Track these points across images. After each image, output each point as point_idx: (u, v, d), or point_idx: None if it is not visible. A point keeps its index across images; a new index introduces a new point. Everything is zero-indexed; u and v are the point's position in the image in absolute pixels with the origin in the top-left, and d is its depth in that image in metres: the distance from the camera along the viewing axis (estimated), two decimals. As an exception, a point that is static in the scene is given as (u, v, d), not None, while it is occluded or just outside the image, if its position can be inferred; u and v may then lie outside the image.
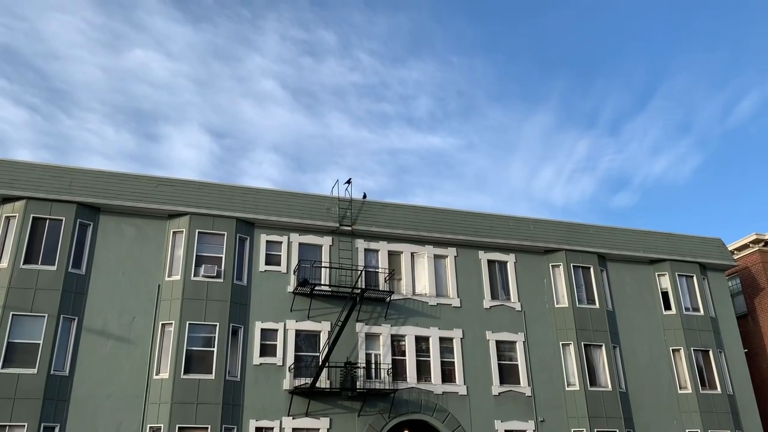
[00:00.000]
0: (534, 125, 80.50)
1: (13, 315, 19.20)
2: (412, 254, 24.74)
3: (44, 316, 19.43)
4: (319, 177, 76.27)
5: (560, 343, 24.93)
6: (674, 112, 78.81)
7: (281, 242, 23.11)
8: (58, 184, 21.14)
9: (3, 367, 18.60)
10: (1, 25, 60.58)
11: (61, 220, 20.70)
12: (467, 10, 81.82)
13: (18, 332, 19.13)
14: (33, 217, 20.50)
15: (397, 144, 77.63)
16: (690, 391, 25.48)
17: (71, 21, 64.30)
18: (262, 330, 21.69)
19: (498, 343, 24.27)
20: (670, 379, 25.77)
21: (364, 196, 24.64)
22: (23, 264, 19.89)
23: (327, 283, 22.81)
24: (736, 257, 31.22)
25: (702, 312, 27.09)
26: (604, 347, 25.01)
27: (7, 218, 20.54)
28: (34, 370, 18.78)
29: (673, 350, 26.29)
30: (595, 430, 23.51)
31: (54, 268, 20.10)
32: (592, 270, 26.34)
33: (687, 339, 26.28)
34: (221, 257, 21.82)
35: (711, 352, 26.42)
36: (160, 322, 20.73)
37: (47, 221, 20.65)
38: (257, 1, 76.52)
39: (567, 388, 24.25)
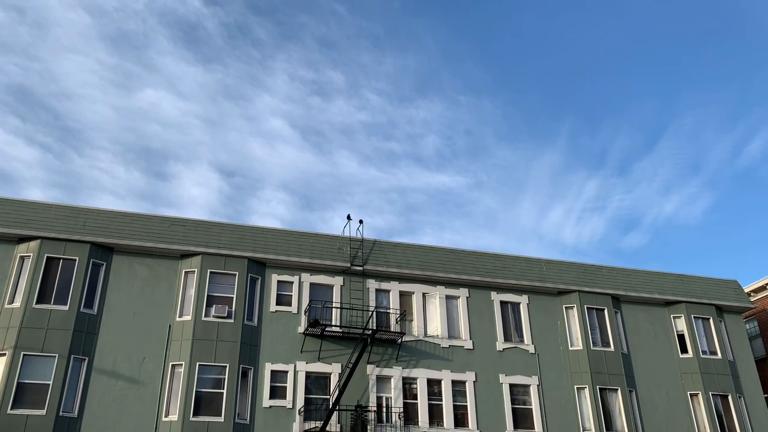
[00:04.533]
0: (543, 164, 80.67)
1: (24, 355, 19.16)
2: (424, 295, 24.57)
3: (55, 357, 19.36)
4: (327, 215, 76.46)
5: (575, 386, 24.46)
6: (683, 152, 78.81)
7: (292, 282, 23.07)
8: (72, 224, 21.33)
9: (12, 408, 18.46)
10: (17, 66, 62.09)
11: (75, 259, 20.81)
12: (473, 51, 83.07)
13: (28, 372, 19.05)
14: (47, 256, 20.64)
15: (406, 182, 77.92)
16: (709, 437, 24.80)
17: (84, 61, 65.78)
18: (272, 371, 21.48)
19: (511, 386, 23.86)
20: (688, 425, 25.12)
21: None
22: (35, 303, 19.94)
23: (338, 323, 22.65)
24: (752, 299, 30.75)
25: (720, 355, 26.56)
26: (620, 391, 24.50)
27: (22, 258, 20.69)
28: (43, 411, 18.62)
29: (691, 395, 25.70)
30: (612, 477, 22.87)
31: (66, 307, 20.12)
32: (606, 312, 26.00)
33: (705, 383, 25.71)
34: (232, 297, 21.77)
35: (730, 397, 25.80)
36: (170, 363, 20.59)
37: (61, 261, 20.76)
38: (267, 42, 78.13)
39: (582, 434, 23.70)
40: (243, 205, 73.92)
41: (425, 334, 23.79)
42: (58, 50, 65.57)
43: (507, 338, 24.76)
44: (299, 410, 21.09)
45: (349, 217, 24.27)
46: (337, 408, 20.97)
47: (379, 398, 22.23)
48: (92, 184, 68.18)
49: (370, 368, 22.45)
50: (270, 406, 20.95)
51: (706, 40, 78.44)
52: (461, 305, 24.75)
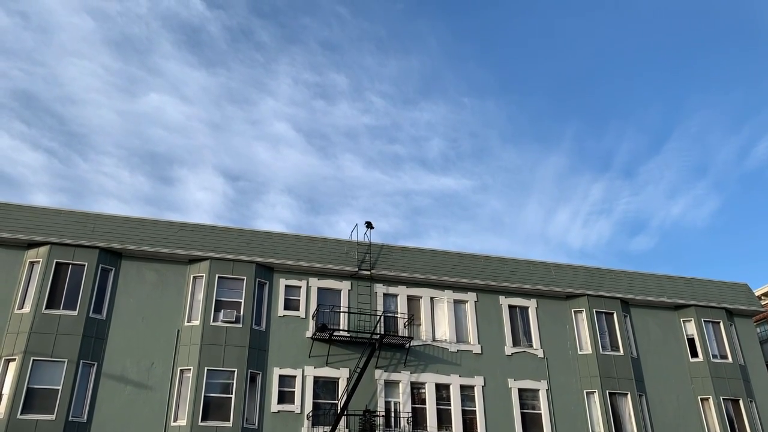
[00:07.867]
0: (548, 167, 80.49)
1: (33, 360, 19.24)
2: (432, 299, 24.51)
3: (64, 362, 19.43)
4: (333, 219, 76.43)
5: (584, 391, 24.32)
6: (690, 154, 78.54)
7: (300, 287, 23.07)
8: (80, 229, 21.42)
9: (22, 413, 18.53)
10: (22, 70, 62.46)
11: (84, 265, 20.89)
12: (477, 53, 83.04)
13: (38, 378, 19.13)
14: (56, 262, 20.73)
15: (411, 185, 77.85)
16: (720, 442, 24.60)
17: (89, 66, 66.13)
18: (281, 376, 21.47)
19: (520, 391, 23.75)
20: (699, 430, 24.91)
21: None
22: (45, 309, 20.02)
23: (346, 328, 22.63)
24: (763, 303, 30.52)
25: (730, 359, 26.35)
26: (629, 396, 24.35)
27: (31, 263, 20.79)
28: (53, 417, 18.68)
29: (702, 399, 25.51)
30: (623, 483, 22.70)
31: (75, 313, 20.20)
32: (615, 316, 25.86)
33: (716, 387, 25.51)
34: (240, 302, 21.79)
35: (741, 402, 25.58)
36: (179, 368, 20.62)
37: (70, 266, 20.84)
38: (270, 46, 78.37)
39: (592, 439, 23.56)
40: (248, 209, 74.06)
41: (433, 339, 23.73)
42: (63, 55, 66.02)
43: (515, 343, 24.66)
44: (307, 415, 21.07)
45: (357, 225, 24.31)
46: (346, 413, 20.94)
47: (387, 403, 22.18)
48: (97, 188, 68.49)
49: (378, 373, 22.40)
50: (278, 411, 20.94)
51: (712, 42, 78.16)
52: (469, 309, 24.67)
